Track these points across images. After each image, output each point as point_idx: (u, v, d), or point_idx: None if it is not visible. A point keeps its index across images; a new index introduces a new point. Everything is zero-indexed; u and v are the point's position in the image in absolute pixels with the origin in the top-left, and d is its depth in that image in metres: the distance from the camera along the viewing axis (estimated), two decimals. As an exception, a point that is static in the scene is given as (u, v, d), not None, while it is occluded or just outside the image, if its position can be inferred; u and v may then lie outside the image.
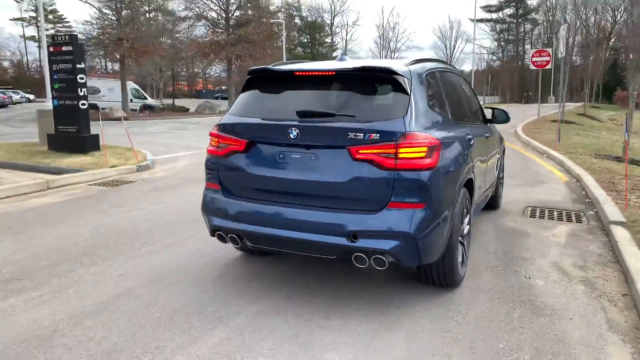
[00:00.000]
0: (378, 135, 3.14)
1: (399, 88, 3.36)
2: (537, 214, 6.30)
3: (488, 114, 5.49)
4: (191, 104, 43.12)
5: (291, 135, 3.32)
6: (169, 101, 44.97)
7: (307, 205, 3.34)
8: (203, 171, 3.93)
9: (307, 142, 3.33)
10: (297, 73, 3.58)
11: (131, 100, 32.74)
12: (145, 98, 36.16)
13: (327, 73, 3.52)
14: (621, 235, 4.92)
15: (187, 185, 8.15)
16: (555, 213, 6.34)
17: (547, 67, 21.91)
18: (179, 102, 46.21)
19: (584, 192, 7.69)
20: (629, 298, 3.68)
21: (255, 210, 3.48)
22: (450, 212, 3.44)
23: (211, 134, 3.78)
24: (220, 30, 41.27)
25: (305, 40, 71.87)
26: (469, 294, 3.75)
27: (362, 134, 3.16)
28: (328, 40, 74.98)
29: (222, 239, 3.68)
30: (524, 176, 9.15)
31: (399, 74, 3.37)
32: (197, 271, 4.21)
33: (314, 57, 62.30)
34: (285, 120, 3.39)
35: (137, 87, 36.03)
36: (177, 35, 42.56)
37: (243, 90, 3.84)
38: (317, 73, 3.57)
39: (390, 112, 3.30)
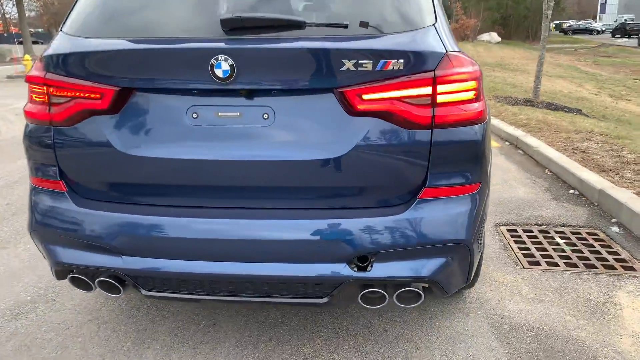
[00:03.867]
0: (402, 61, 1.51)
1: None
2: (533, 250, 3.08)
3: None
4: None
5: (217, 72, 1.54)
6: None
7: (261, 208, 1.67)
8: None
9: (250, 84, 1.57)
10: None
11: None
12: None
13: None
14: None
15: None
16: (562, 242, 3.19)
17: None
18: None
19: (548, 172, 4.72)
20: None
21: (153, 226, 1.66)
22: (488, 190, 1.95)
23: (30, 79, 1.76)
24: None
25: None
26: None
27: (369, 61, 1.50)
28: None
29: (80, 284, 1.84)
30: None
31: None
32: None
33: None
34: (198, 41, 1.60)
35: None
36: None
37: None
38: None
39: (408, 16, 1.63)
